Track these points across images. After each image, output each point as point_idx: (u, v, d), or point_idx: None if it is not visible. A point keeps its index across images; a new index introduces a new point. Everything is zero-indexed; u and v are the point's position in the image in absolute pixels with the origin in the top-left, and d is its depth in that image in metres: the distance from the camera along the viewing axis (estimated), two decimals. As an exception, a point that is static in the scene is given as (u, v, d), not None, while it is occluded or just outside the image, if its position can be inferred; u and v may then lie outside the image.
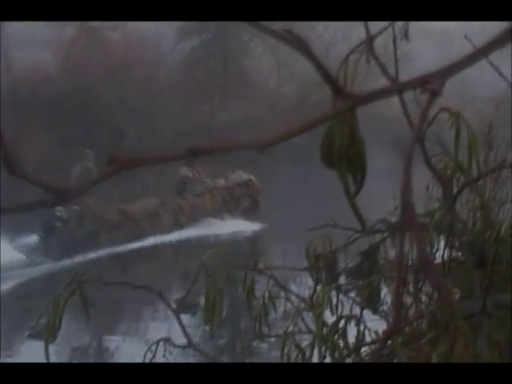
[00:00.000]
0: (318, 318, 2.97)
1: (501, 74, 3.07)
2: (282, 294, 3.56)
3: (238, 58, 36.24)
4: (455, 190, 3.16)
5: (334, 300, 3.33)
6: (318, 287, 3.36)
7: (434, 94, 0.80)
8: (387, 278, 4.04)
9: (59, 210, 20.21)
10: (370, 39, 1.58)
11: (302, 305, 3.30)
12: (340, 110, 0.99)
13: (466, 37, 3.18)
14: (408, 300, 3.58)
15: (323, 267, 3.63)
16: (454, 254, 3.75)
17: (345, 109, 0.94)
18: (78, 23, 29.72)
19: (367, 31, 1.78)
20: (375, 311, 3.73)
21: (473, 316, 2.14)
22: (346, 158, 1.29)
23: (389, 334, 1.15)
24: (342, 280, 3.87)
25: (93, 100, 27.98)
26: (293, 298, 3.48)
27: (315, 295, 3.23)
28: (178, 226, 22.83)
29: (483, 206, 4.52)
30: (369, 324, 3.55)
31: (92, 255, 19.53)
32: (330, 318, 3.18)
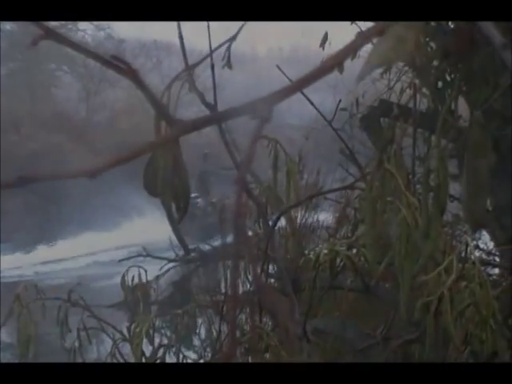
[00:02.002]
0: (137, 348, 2.93)
1: (312, 104, 3.17)
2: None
3: (45, 86, 35.47)
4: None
5: (152, 330, 3.30)
6: (136, 318, 3.32)
7: (264, 121, 0.80)
8: (202, 306, 4.06)
9: (199, 202, 22.69)
10: (189, 68, 1.58)
11: (119, 336, 3.25)
12: (167, 137, 0.99)
13: (277, 66, 3.27)
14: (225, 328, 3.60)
15: (140, 298, 3.59)
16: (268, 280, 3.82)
17: (174, 136, 0.94)
18: None
19: (186, 61, 1.79)
20: (189, 342, 3.73)
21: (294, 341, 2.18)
22: (170, 186, 1.29)
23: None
24: (159, 310, 3.85)
25: None
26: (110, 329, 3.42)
27: (132, 326, 3.18)
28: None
29: (294, 232, 4.64)
30: (186, 353, 3.55)
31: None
32: (148, 349, 3.15)
